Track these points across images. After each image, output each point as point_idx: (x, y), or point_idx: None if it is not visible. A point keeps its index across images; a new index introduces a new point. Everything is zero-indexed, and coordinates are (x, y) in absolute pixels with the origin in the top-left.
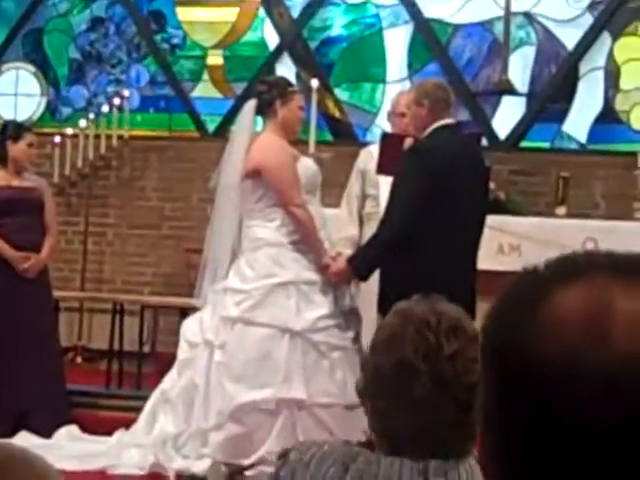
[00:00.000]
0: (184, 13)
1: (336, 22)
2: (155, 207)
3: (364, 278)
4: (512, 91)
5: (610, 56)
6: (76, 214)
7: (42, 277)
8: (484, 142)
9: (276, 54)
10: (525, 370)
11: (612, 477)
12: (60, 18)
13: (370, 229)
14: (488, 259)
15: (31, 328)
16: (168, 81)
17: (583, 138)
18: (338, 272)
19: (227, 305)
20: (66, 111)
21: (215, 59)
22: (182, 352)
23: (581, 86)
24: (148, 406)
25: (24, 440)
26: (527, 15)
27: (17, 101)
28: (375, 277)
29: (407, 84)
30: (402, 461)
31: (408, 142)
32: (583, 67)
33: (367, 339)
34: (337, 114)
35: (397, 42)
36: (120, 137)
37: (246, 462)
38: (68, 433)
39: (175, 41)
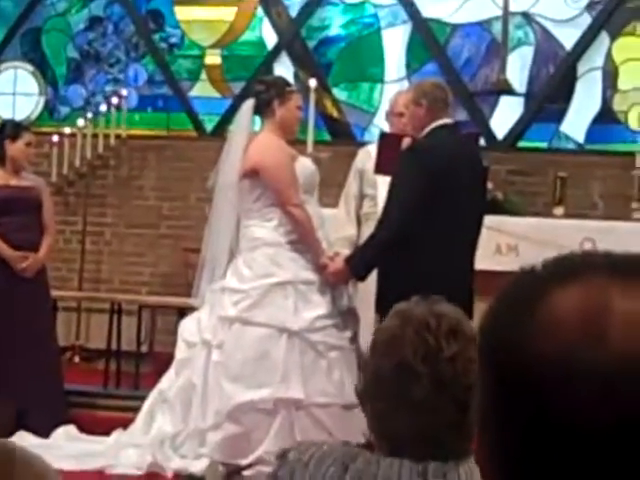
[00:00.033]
0: (182, 12)
1: (334, 22)
2: (153, 206)
3: (362, 278)
4: (510, 91)
5: (608, 56)
6: (74, 213)
7: (40, 277)
8: (482, 142)
9: (274, 54)
10: (522, 370)
11: (609, 476)
12: (58, 17)
13: (368, 229)
14: (486, 259)
15: (29, 328)
16: (166, 80)
17: (581, 138)
18: (336, 272)
19: (225, 305)
20: (64, 110)
21: (213, 58)
22: (180, 352)
23: (579, 86)
24: (146, 406)
25: (22, 440)
26: (525, 15)
27: (15, 100)
28: (373, 277)
29: (405, 84)
30: (401, 462)
31: (406, 142)
32: (581, 67)
33: (365, 339)
34: (335, 114)
35: (395, 42)
36: (118, 136)
37: (244, 462)
38: (66, 433)
39: (173, 40)
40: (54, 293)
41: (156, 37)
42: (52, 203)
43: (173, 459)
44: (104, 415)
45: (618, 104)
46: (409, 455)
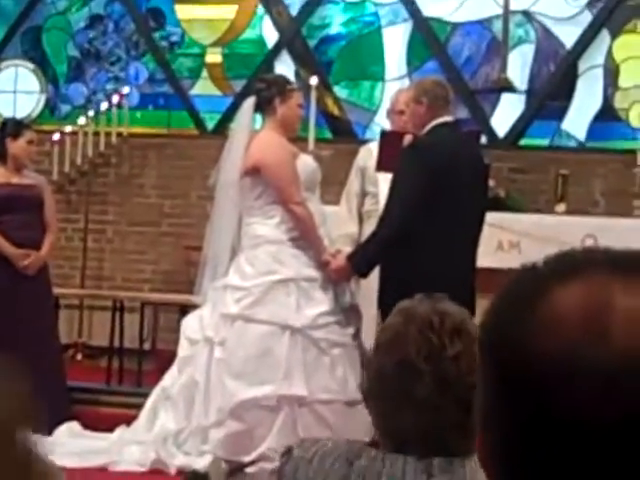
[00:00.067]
0: (183, 11)
1: (335, 20)
2: (154, 204)
3: (364, 275)
4: (511, 89)
5: (609, 54)
6: (76, 211)
7: (42, 274)
8: (483, 140)
9: (275, 52)
10: (524, 367)
11: (610, 474)
12: (59, 16)
13: (370, 226)
14: (488, 256)
15: (31, 325)
16: (167, 79)
17: (582, 136)
18: (338, 269)
19: (227, 302)
20: (65, 108)
21: (214, 57)
22: (182, 349)
23: (580, 84)
24: (149, 403)
25: None
26: (526, 13)
27: (16, 98)
28: (375, 274)
29: (406, 82)
30: (406, 459)
31: (407, 139)
32: (582, 65)
33: (367, 335)
34: (336, 112)
35: (396, 40)
36: (119, 134)
37: (247, 459)
38: (69, 430)
39: (174, 39)
40: (56, 291)
41: (157, 35)
42: (54, 201)
43: (176, 456)
44: (107, 412)
45: (619, 102)
46: (413, 453)
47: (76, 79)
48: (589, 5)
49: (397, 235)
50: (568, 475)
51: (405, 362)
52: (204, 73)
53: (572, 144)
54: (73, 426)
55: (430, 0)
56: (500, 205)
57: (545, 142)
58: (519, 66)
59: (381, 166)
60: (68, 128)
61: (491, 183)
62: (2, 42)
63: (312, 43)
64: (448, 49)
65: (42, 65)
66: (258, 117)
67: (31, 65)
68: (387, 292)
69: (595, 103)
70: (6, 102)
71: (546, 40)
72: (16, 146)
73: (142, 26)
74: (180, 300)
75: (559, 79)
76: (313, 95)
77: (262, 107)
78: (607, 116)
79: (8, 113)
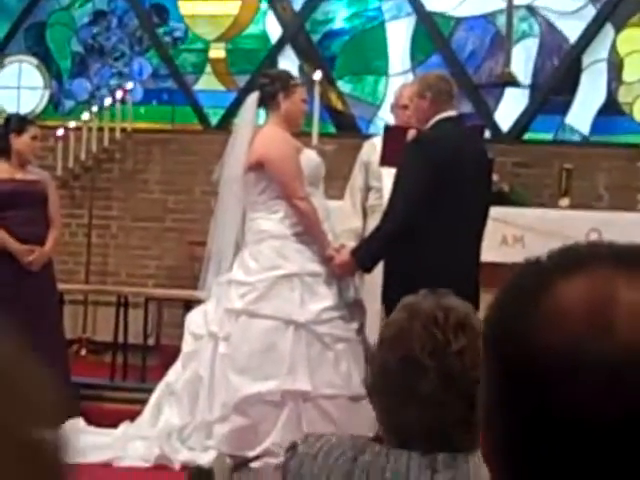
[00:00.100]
0: (186, 6)
1: (338, 15)
2: (158, 200)
3: (368, 270)
4: (515, 83)
5: (613, 48)
6: (80, 207)
7: (46, 270)
8: (487, 134)
9: (278, 47)
10: (527, 361)
11: (614, 469)
12: (62, 11)
13: (374, 221)
14: (492, 250)
15: (36, 321)
16: (171, 74)
17: (586, 130)
18: (342, 264)
19: (231, 297)
20: (69, 104)
21: (217, 52)
22: (186, 344)
23: (584, 78)
24: (153, 398)
25: None
26: (529, 7)
27: (20, 94)
28: (379, 269)
29: (410, 76)
30: (410, 454)
31: (411, 134)
32: (586, 59)
33: (371, 330)
34: (340, 106)
35: (399, 35)
36: (123, 130)
37: (251, 454)
38: (72, 426)
39: (177, 34)
40: (61, 286)
41: (160, 31)
42: (58, 197)
43: (180, 451)
44: (111, 407)
45: (623, 96)
46: (417, 448)
47: (80, 75)
48: None
49: (401, 230)
50: (571, 469)
51: (409, 358)
52: (208, 68)
53: (576, 138)
54: (77, 422)
55: None
56: (504, 199)
57: (549, 136)
58: (523, 60)
59: (385, 161)
60: (72, 124)
61: (495, 177)
62: (6, 38)
63: (316, 38)
64: (452, 43)
65: (46, 61)
66: (262, 112)
67: (35, 61)
68: (391, 287)
69: (599, 97)
70: (10, 98)
71: (550, 34)
72: (20, 142)
73: (146, 22)
74: (184, 295)
75: (563, 73)
76: (317, 90)
77: (266, 102)
78: (611, 110)
79: (12, 109)
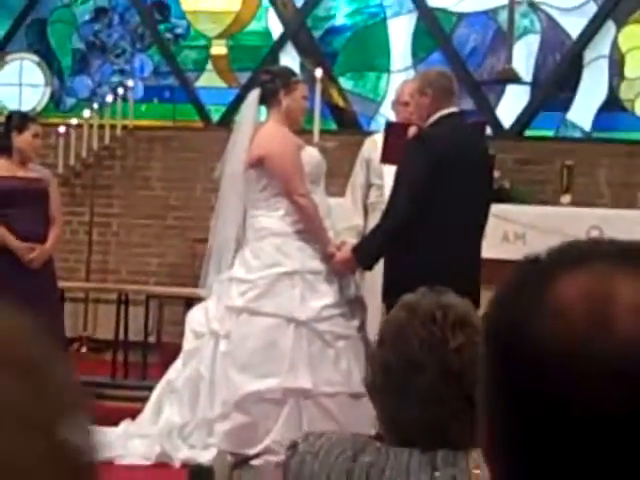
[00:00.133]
0: (188, 3)
1: (340, 11)
2: (159, 197)
3: (369, 267)
4: (516, 80)
5: (614, 44)
6: (81, 204)
7: (47, 268)
8: (488, 131)
9: (280, 44)
10: (528, 357)
11: (616, 466)
12: (64, 8)
13: (374, 218)
14: (493, 248)
15: (36, 319)
16: (172, 71)
17: (588, 126)
18: (343, 261)
19: (232, 295)
20: (70, 101)
21: (219, 49)
22: (187, 342)
23: (585, 74)
24: (154, 396)
25: None
26: (531, 4)
27: (21, 91)
28: (380, 266)
29: (411, 73)
30: (411, 451)
31: (412, 131)
32: (587, 55)
33: (372, 328)
34: (341, 103)
35: (401, 31)
36: (124, 127)
37: (252, 452)
38: None
39: (179, 31)
40: (61, 284)
41: (162, 28)
42: (59, 194)
43: (181, 449)
44: (112, 405)
45: (624, 92)
46: (418, 446)
47: (81, 72)
48: None
49: (402, 227)
50: (573, 465)
51: (408, 356)
52: (209, 65)
53: (577, 135)
54: None
55: None
56: (505, 196)
57: (550, 133)
58: (524, 57)
59: (386, 158)
60: (73, 121)
61: (496, 174)
62: (7, 35)
63: (317, 35)
64: (453, 40)
65: (47, 58)
66: (263, 109)
67: (36, 58)
68: (392, 284)
69: (600, 94)
70: (11, 95)
71: (551, 30)
72: (21, 139)
73: (147, 18)
74: (185, 293)
75: (564, 70)
76: (318, 87)
77: (267, 99)
78: (612, 107)
79: (13, 106)
